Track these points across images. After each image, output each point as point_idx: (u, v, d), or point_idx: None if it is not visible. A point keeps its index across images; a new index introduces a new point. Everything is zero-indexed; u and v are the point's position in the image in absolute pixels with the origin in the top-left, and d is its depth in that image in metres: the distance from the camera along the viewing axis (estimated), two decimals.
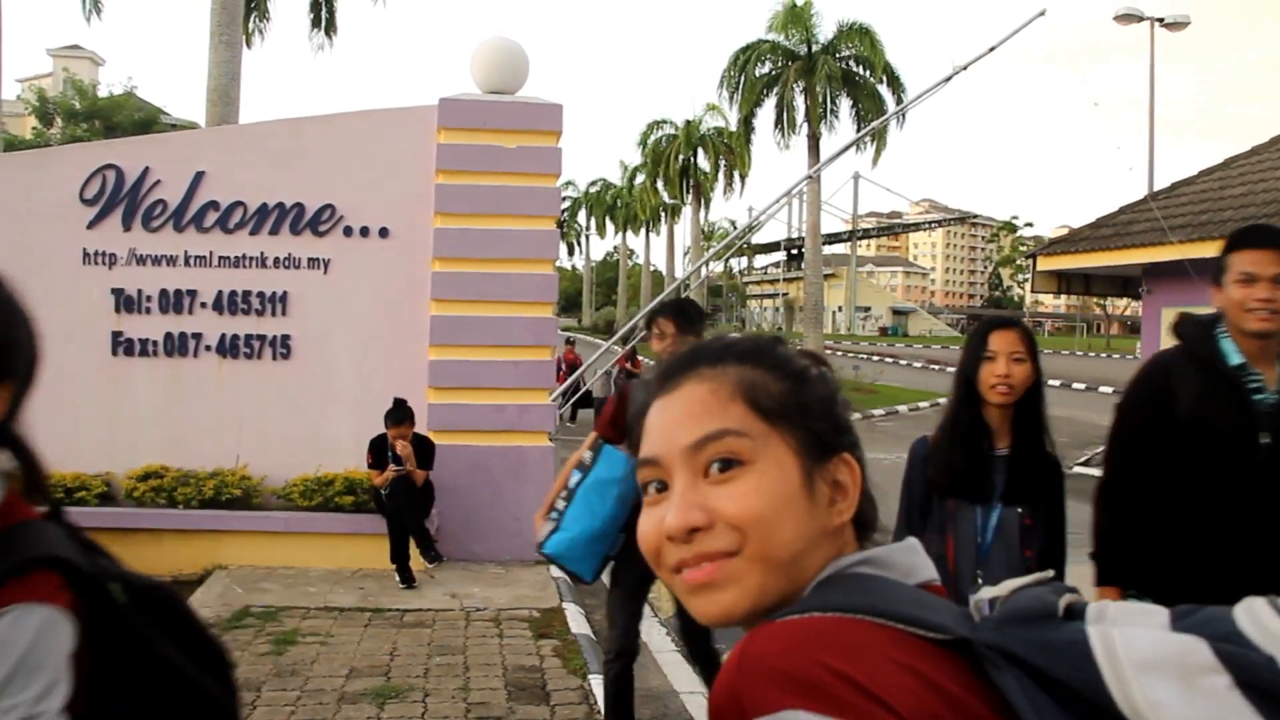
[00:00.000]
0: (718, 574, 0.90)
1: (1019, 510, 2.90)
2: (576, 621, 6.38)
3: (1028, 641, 0.80)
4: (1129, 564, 2.95)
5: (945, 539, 2.94)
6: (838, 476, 0.96)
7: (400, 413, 7.18)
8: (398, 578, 7.20)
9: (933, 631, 0.80)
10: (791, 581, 0.91)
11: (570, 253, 79.46)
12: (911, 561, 0.93)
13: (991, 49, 10.88)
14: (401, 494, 7.16)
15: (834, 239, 78.55)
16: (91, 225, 7.82)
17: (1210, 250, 12.90)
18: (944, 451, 2.97)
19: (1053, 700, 0.77)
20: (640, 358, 20.84)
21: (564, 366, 16.76)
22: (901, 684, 0.75)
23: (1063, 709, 0.77)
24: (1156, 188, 17.25)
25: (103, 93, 30.93)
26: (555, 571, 7.04)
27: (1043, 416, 2.96)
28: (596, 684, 5.13)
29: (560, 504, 4.08)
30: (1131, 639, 0.78)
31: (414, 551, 7.27)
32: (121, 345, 7.84)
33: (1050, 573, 0.90)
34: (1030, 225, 73.97)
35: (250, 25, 19.03)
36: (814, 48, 29.12)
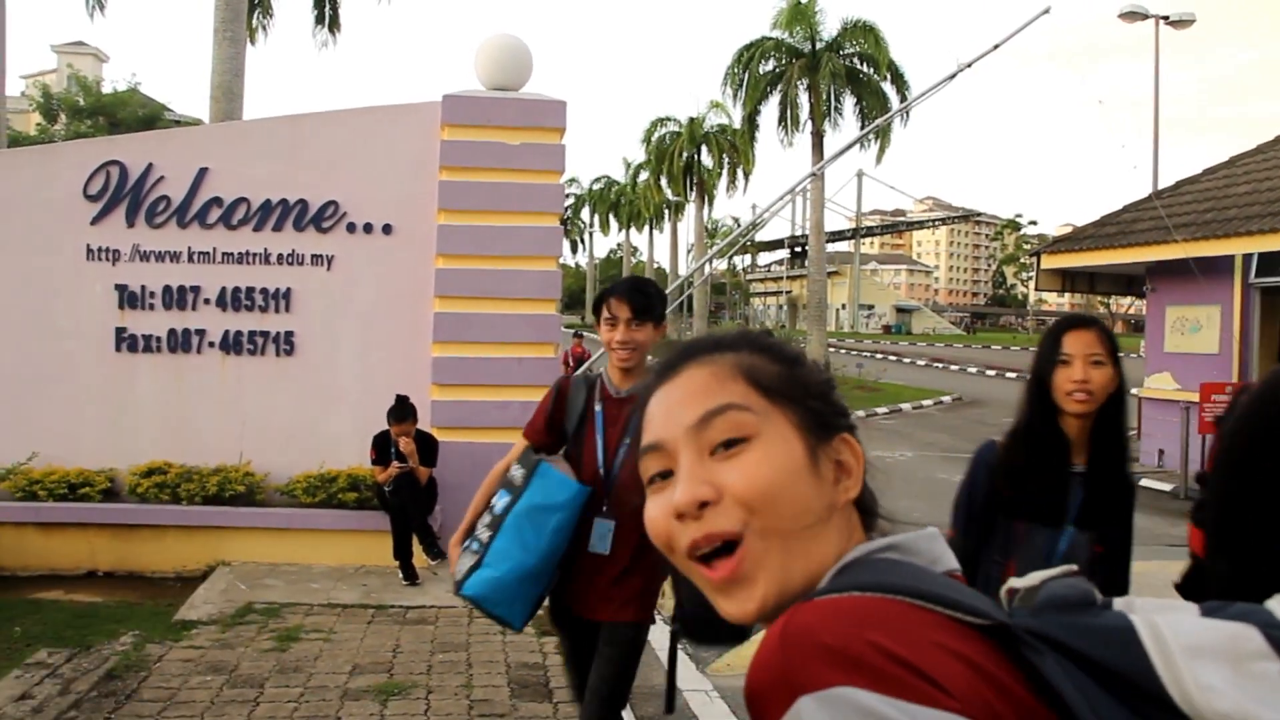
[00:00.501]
0: (741, 566, 0.89)
1: (1090, 535, 2.61)
2: None
3: (1068, 627, 0.79)
4: None
5: (1006, 563, 2.64)
6: (840, 456, 0.96)
7: (403, 409, 7.18)
8: (401, 574, 7.20)
9: (972, 616, 0.78)
10: (810, 562, 0.90)
11: (574, 250, 79.55)
12: (935, 549, 0.92)
13: (995, 47, 10.85)
14: (405, 490, 7.16)
15: (837, 237, 78.47)
16: (95, 221, 7.83)
17: (1215, 249, 12.89)
18: (1015, 465, 2.66)
19: (1095, 684, 0.77)
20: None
21: (571, 361, 16.75)
22: (949, 666, 0.74)
23: (1106, 693, 0.76)
24: (1161, 186, 17.21)
25: (107, 89, 31.01)
26: None
27: (1124, 429, 2.67)
28: None
29: (483, 533, 3.30)
30: (1179, 625, 0.78)
31: (417, 548, 7.27)
32: (125, 341, 7.84)
33: (1074, 566, 0.88)
34: (1034, 223, 74.03)
35: (254, 22, 19.04)
36: (818, 45, 29.10)
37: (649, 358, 3.34)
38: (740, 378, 0.96)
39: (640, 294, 3.35)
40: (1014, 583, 0.87)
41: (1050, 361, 2.62)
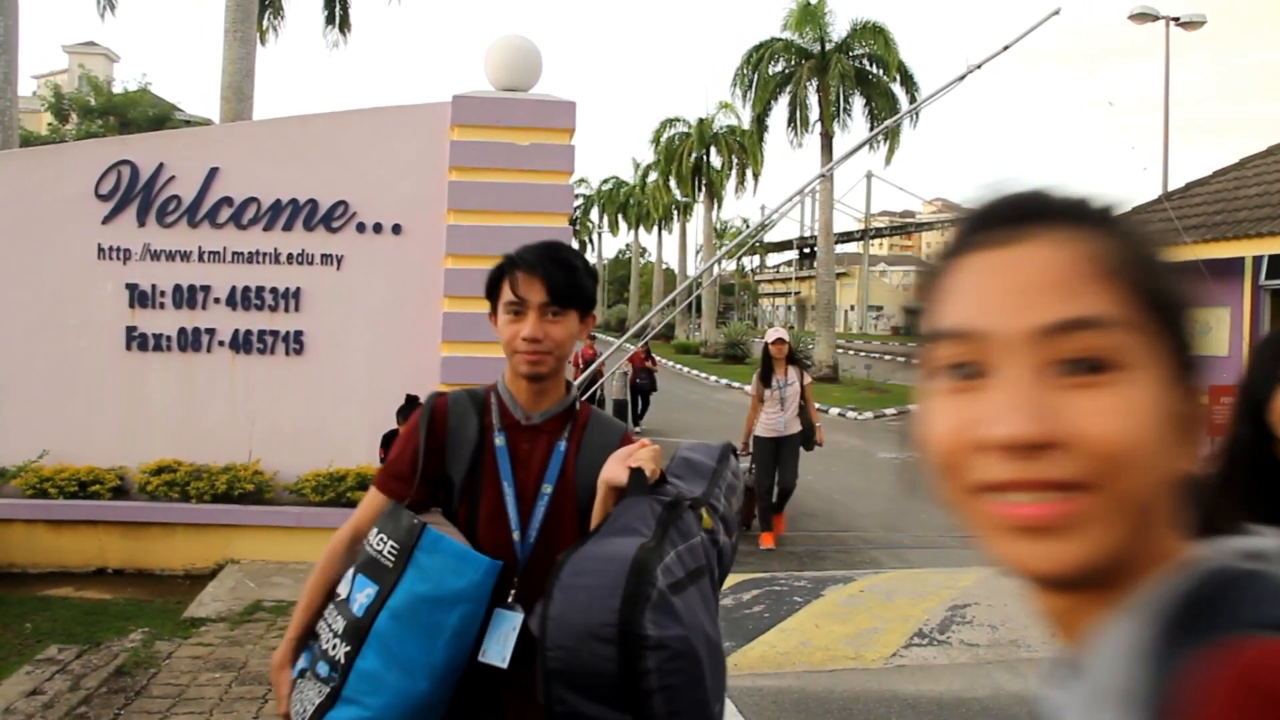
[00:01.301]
0: (1064, 518, 0.65)
1: None
2: None
3: None
4: None
5: None
6: (1191, 411, 0.70)
7: (412, 409, 7.19)
8: None
9: None
10: (1135, 541, 0.67)
11: (582, 251, 79.51)
12: None
13: (1005, 48, 10.84)
14: None
15: (846, 238, 78.39)
16: (106, 221, 7.87)
17: (1224, 251, 12.86)
18: (1236, 497, 2.18)
19: None
20: (656, 356, 20.72)
21: (581, 364, 16.70)
22: None
23: None
24: (1170, 188, 17.17)
25: (117, 89, 31.10)
26: None
27: None
28: None
29: (334, 648, 2.00)
30: None
31: None
32: (135, 340, 7.88)
33: None
34: None
35: (264, 22, 19.12)
36: (828, 46, 29.09)
37: (574, 360, 2.13)
38: (1114, 276, 0.68)
39: (562, 268, 2.20)
40: None
41: (1267, 379, 2.12)
